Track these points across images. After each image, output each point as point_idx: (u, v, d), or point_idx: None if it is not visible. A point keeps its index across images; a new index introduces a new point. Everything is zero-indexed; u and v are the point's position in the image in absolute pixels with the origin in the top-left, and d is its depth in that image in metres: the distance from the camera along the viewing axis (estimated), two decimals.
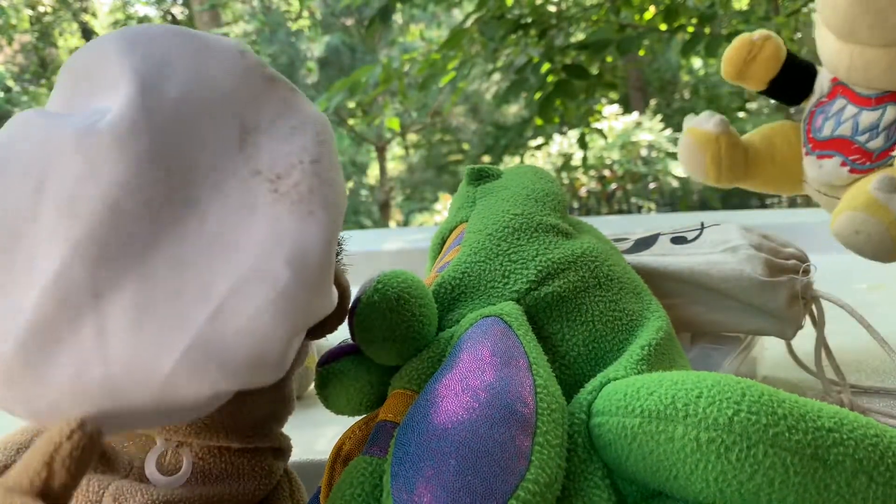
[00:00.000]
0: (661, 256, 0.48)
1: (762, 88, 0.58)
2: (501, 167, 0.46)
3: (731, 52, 0.57)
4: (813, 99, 0.57)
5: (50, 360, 0.20)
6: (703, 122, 0.58)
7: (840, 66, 0.52)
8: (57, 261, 0.20)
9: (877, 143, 0.51)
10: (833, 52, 0.52)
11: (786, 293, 0.45)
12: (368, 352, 0.31)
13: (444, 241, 0.44)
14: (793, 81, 0.57)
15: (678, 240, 0.50)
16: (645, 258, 0.48)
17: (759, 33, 0.56)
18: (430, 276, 0.40)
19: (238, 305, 0.21)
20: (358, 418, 0.33)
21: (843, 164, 0.53)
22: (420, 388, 0.29)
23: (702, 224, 0.51)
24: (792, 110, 0.63)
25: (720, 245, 0.48)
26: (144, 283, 0.21)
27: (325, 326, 0.29)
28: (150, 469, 0.29)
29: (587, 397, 0.29)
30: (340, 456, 0.30)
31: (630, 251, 0.50)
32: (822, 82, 0.56)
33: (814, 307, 0.48)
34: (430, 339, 0.32)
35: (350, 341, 0.32)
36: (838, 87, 0.54)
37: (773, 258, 0.46)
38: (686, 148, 0.59)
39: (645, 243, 0.51)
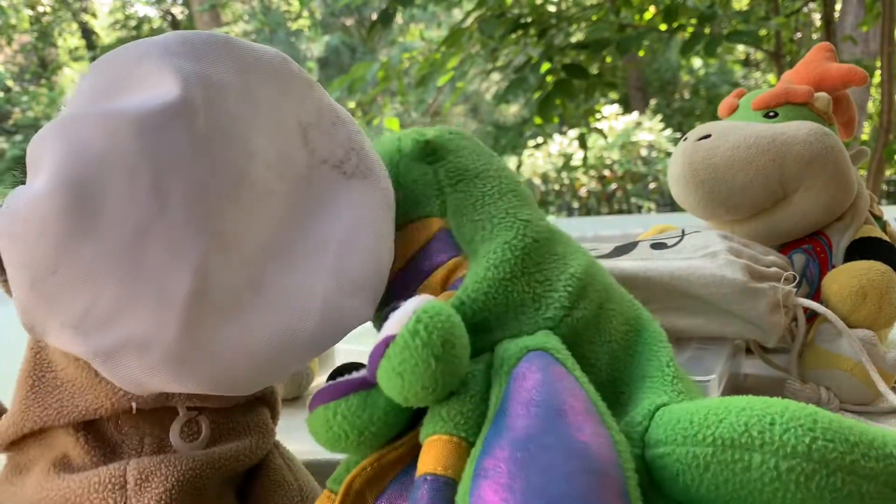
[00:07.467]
0: (641, 261, 0.47)
1: None
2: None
3: None
4: None
5: (214, 334, 0.26)
6: None
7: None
8: (191, 275, 0.25)
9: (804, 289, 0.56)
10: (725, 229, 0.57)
11: (766, 301, 0.44)
12: (395, 398, 0.26)
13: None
14: None
15: (658, 245, 0.49)
16: (624, 263, 0.47)
17: None
18: (432, 292, 0.34)
19: (356, 241, 0.30)
20: None
21: None
22: (468, 434, 0.26)
23: (682, 231, 0.50)
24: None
25: (700, 250, 0.46)
26: (279, 252, 0.29)
27: None
28: (175, 438, 0.31)
29: (638, 428, 0.28)
30: (349, 495, 0.27)
31: (609, 256, 0.49)
32: None
33: (797, 315, 0.47)
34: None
35: (355, 373, 0.28)
36: None
37: (754, 265, 0.45)
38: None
39: (624, 249, 0.50)
